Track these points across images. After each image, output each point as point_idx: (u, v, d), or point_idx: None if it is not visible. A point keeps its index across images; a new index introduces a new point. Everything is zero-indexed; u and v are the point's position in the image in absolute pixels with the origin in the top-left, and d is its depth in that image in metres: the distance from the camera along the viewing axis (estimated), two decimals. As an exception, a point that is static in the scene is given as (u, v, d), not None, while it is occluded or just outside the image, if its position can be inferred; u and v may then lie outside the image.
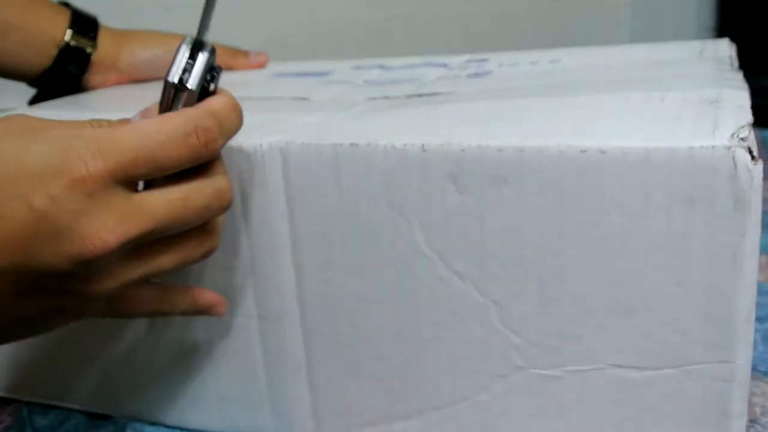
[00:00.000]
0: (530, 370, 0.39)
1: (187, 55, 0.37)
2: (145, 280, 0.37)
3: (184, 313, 0.41)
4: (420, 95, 0.49)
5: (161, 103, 0.37)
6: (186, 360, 0.47)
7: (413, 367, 0.41)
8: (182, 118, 0.35)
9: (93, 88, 0.65)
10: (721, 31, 1.58)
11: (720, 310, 0.35)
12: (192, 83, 0.37)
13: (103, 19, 0.66)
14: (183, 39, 0.37)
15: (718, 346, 0.35)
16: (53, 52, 0.62)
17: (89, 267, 0.32)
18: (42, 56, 0.62)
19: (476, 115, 0.41)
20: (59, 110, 0.57)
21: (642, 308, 0.36)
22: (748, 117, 0.35)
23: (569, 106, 0.41)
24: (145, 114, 0.37)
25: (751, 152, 0.32)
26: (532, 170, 0.35)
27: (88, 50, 0.63)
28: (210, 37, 0.37)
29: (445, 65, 0.60)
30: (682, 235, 0.34)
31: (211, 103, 0.36)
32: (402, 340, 0.41)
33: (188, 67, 0.37)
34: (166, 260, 0.36)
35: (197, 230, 0.37)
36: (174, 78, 0.36)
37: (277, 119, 0.45)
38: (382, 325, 0.41)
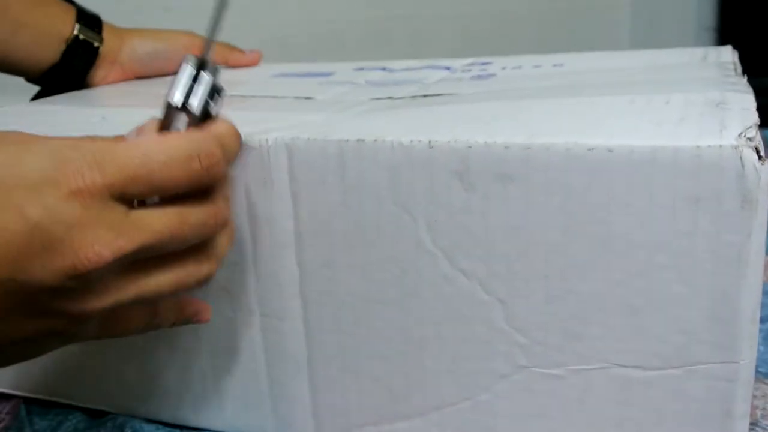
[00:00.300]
0: (533, 369, 0.39)
1: (190, 75, 0.35)
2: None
3: (173, 325, 0.40)
4: (424, 96, 0.49)
5: (162, 122, 0.36)
6: (186, 357, 0.47)
7: (415, 367, 0.41)
8: (186, 140, 0.33)
9: (95, 85, 0.65)
10: (721, 32, 1.58)
11: (724, 310, 0.35)
12: (196, 107, 0.35)
13: (104, 19, 0.67)
14: (184, 58, 0.36)
15: (722, 346, 0.35)
16: (61, 47, 0.62)
17: (82, 282, 0.31)
18: (50, 52, 0.62)
19: (481, 114, 0.41)
20: (64, 105, 0.57)
21: (646, 308, 0.36)
22: (755, 118, 0.35)
23: (574, 106, 0.41)
24: (140, 132, 0.36)
25: (758, 152, 0.32)
26: (539, 168, 0.35)
27: (96, 44, 0.64)
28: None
29: (448, 68, 0.60)
30: (688, 234, 0.34)
31: (215, 128, 0.35)
32: (405, 340, 0.41)
33: (191, 89, 0.35)
34: (162, 281, 0.35)
35: (195, 254, 0.36)
36: (175, 100, 0.35)
37: (282, 116, 0.45)
38: (385, 324, 0.41)
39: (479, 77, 0.54)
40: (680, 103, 0.39)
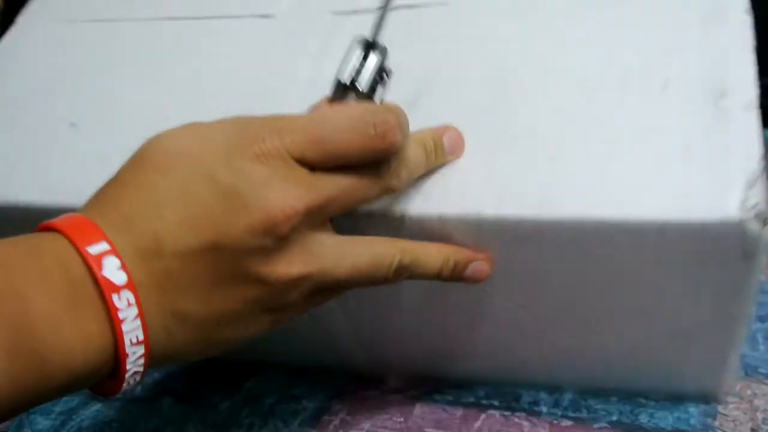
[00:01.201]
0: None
1: (359, 55, 0.37)
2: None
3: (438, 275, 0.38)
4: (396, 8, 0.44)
5: (331, 100, 0.37)
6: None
7: None
8: (362, 107, 0.35)
9: None
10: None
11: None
12: (364, 85, 0.37)
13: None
14: (354, 38, 0.37)
15: None
16: None
17: (277, 239, 0.32)
18: None
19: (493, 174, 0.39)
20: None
21: None
22: (758, 166, 0.35)
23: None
24: (313, 109, 0.37)
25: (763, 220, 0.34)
26: (550, 238, 0.37)
27: None
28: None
29: None
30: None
31: (387, 103, 0.36)
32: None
33: (360, 68, 0.37)
34: (360, 251, 0.36)
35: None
36: (345, 77, 0.37)
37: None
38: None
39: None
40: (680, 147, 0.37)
